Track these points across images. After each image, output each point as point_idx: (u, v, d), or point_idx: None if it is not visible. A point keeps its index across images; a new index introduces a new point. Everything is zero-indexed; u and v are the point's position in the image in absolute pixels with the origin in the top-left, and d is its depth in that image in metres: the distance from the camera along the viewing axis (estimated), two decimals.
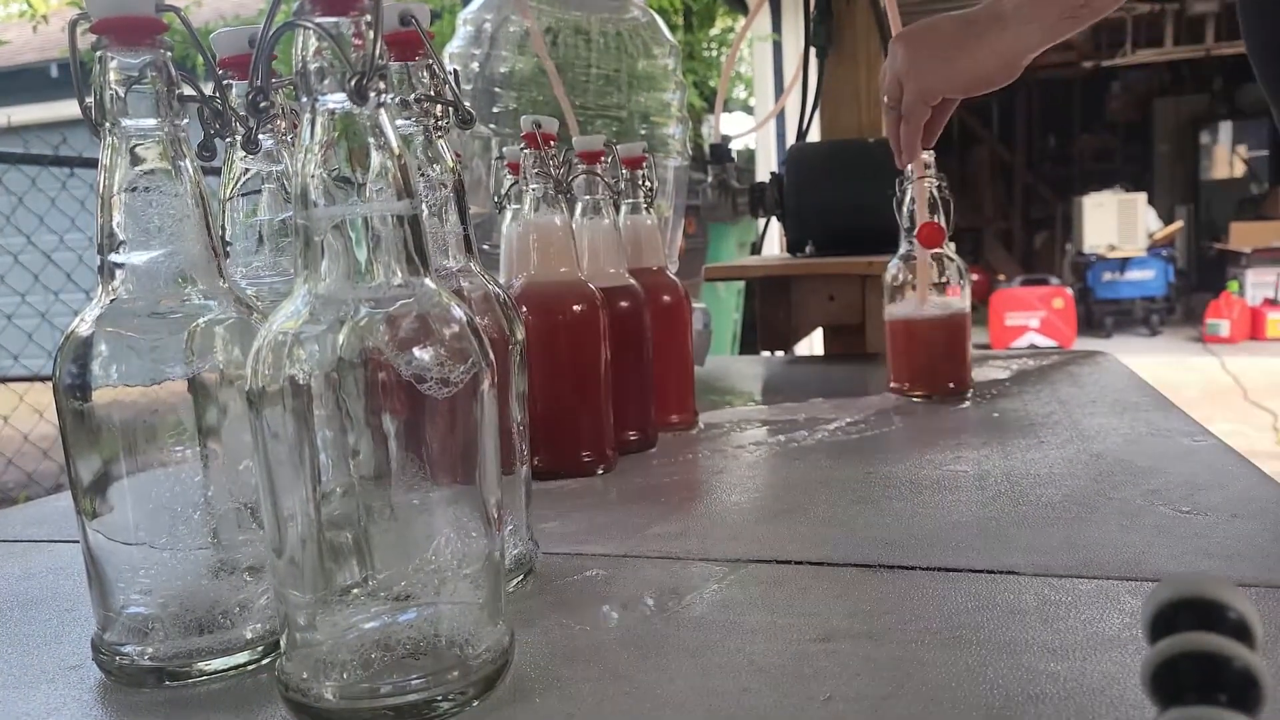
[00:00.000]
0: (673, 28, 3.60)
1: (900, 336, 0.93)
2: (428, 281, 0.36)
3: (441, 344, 0.35)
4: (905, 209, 0.91)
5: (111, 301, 0.39)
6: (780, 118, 3.54)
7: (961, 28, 0.77)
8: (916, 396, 0.92)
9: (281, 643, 0.36)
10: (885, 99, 0.84)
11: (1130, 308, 6.75)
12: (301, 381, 0.34)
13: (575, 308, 0.68)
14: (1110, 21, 6.85)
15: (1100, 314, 6.77)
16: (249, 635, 0.40)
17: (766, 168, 4.32)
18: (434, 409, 0.35)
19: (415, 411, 0.35)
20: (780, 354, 1.35)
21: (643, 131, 1.08)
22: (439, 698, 0.35)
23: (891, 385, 0.94)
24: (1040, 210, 8.55)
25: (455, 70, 0.50)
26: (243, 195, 0.49)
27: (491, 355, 0.37)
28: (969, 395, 0.91)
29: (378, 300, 0.35)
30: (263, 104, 0.38)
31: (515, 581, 0.48)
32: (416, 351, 0.35)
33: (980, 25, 0.76)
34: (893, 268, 0.93)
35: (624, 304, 0.74)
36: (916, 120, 0.82)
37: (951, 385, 0.92)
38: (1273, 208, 7.07)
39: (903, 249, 0.92)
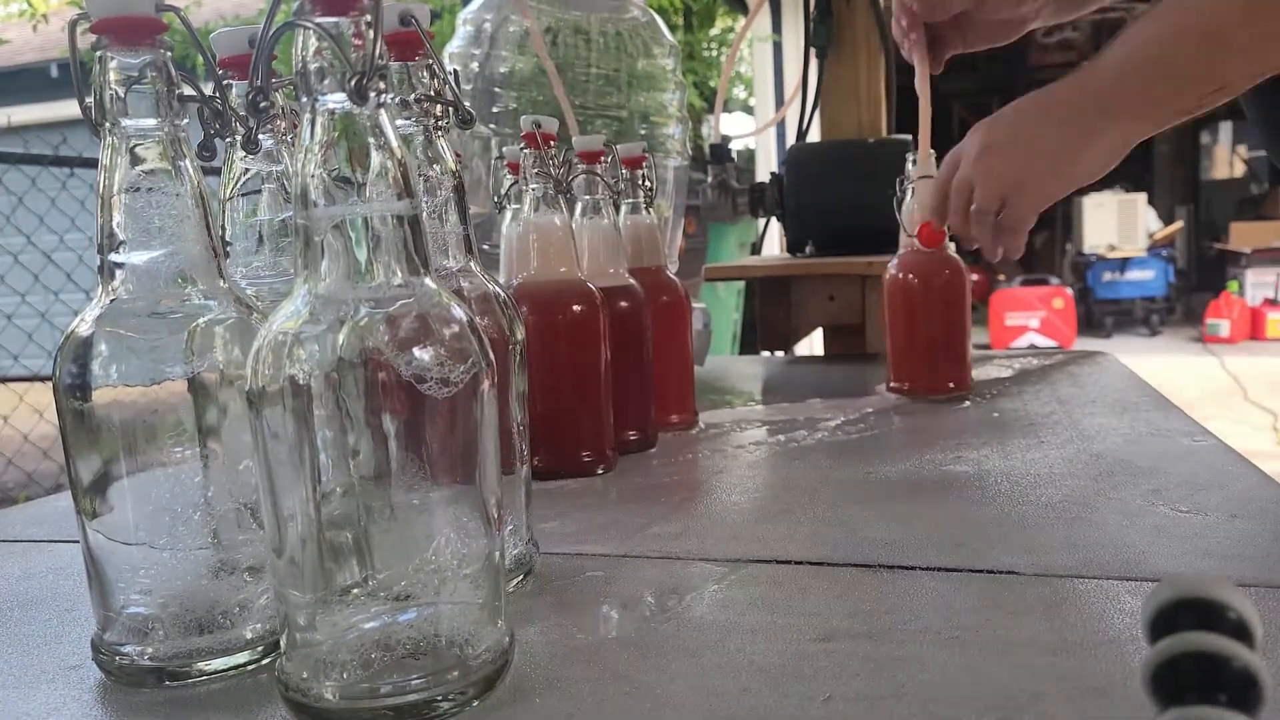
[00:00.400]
0: (672, 28, 3.60)
1: (898, 297, 0.92)
2: (428, 281, 0.36)
3: (441, 344, 0.35)
4: (906, 209, 0.91)
5: (111, 301, 0.39)
6: (780, 119, 3.54)
7: (1064, 128, 0.69)
8: (916, 396, 0.92)
9: (281, 643, 0.36)
10: (978, 206, 0.75)
11: (1130, 308, 6.75)
12: (301, 381, 0.34)
13: (575, 308, 0.68)
14: (1110, 21, 6.85)
15: (1100, 314, 6.77)
16: (249, 635, 0.40)
17: (766, 168, 4.32)
18: (434, 409, 0.35)
19: (415, 411, 0.35)
20: (780, 354, 1.35)
21: (642, 131, 1.08)
22: (439, 698, 0.35)
23: (891, 385, 0.94)
24: None
25: (455, 70, 0.50)
26: (243, 195, 0.49)
27: (491, 355, 0.37)
28: (969, 396, 0.91)
29: (378, 300, 0.35)
30: (263, 104, 0.38)
31: (515, 582, 0.48)
32: (416, 351, 0.35)
33: (1085, 122, 0.67)
34: (892, 267, 0.93)
35: (624, 304, 0.74)
36: (1023, 230, 0.76)
37: (952, 385, 0.91)
38: (1273, 208, 7.07)
39: (902, 249, 0.92)
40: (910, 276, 0.91)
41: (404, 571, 0.36)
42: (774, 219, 1.41)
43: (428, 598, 0.36)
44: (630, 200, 0.81)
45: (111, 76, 0.38)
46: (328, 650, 0.35)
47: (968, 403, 0.89)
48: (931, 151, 0.89)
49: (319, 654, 0.35)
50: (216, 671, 0.39)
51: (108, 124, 0.38)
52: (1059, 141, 0.69)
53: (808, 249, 1.35)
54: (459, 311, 0.37)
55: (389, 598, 0.35)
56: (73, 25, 0.38)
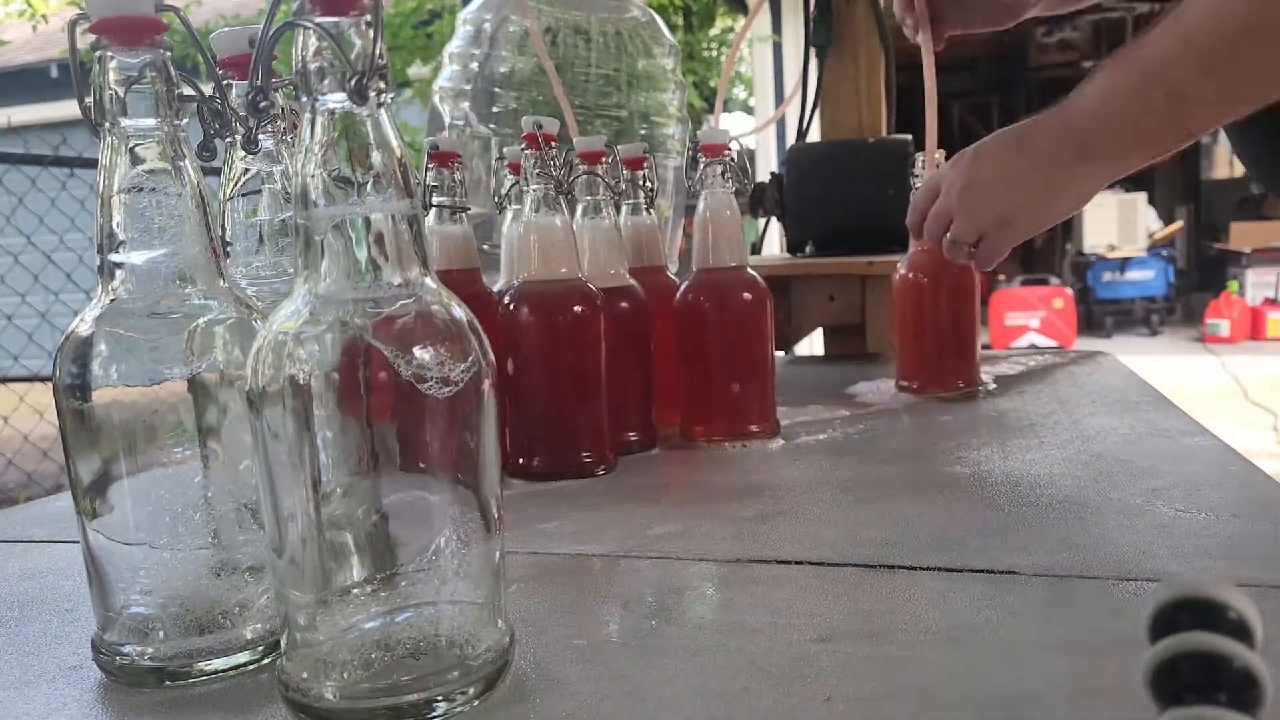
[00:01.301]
0: (672, 28, 3.60)
1: (908, 296, 0.92)
2: (428, 281, 0.36)
3: (442, 343, 0.35)
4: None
5: (111, 301, 0.39)
6: (780, 118, 3.54)
7: (1043, 171, 0.71)
8: (925, 393, 0.91)
9: (282, 643, 0.36)
10: (955, 238, 0.77)
11: (1130, 308, 6.75)
12: (301, 381, 0.34)
13: (575, 309, 0.68)
14: (1110, 21, 6.85)
15: (1100, 314, 6.77)
16: (249, 635, 0.40)
17: (766, 168, 4.32)
18: (434, 408, 0.35)
19: (416, 411, 0.35)
20: (780, 354, 1.35)
21: (642, 131, 1.08)
22: (439, 698, 0.35)
23: (901, 384, 0.94)
24: None
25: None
26: (243, 195, 0.49)
27: (492, 355, 0.37)
28: (980, 392, 0.91)
29: (378, 300, 0.35)
30: (262, 104, 0.38)
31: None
32: (417, 351, 0.35)
33: (1063, 166, 0.70)
34: (902, 267, 0.92)
35: (624, 305, 0.74)
36: (998, 260, 0.79)
37: (961, 384, 0.91)
38: (1273, 208, 7.05)
39: (913, 248, 0.92)
40: (920, 276, 0.91)
41: (404, 571, 0.36)
42: (774, 219, 1.41)
43: (428, 597, 0.36)
44: (631, 201, 0.81)
45: (111, 76, 0.38)
46: (328, 650, 0.35)
47: (969, 401, 0.89)
48: (940, 151, 0.89)
49: (319, 654, 0.35)
50: (217, 671, 0.39)
51: (107, 124, 0.38)
52: (1039, 183, 0.73)
53: (808, 249, 1.35)
54: (459, 311, 0.37)
55: (389, 597, 0.35)
56: (72, 25, 0.38)
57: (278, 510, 0.35)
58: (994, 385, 0.95)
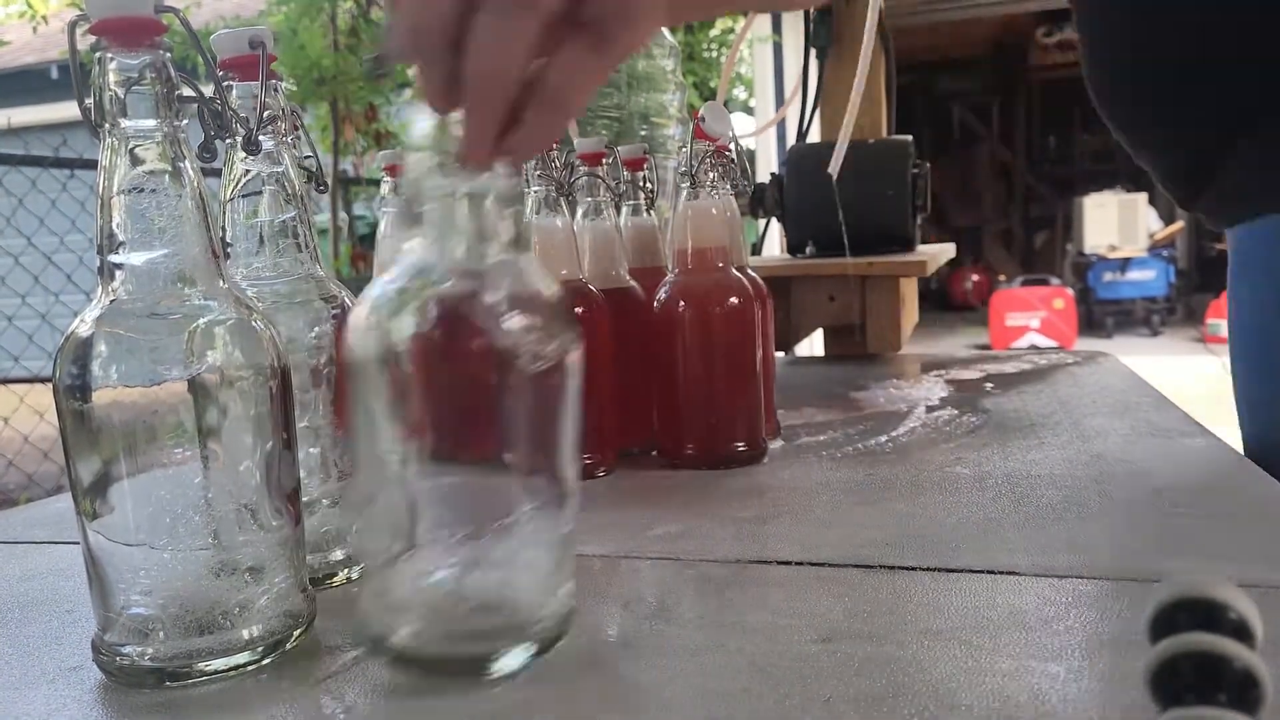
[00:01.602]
0: (672, 29, 3.59)
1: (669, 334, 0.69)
2: (523, 259, 0.38)
3: (535, 318, 0.37)
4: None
5: (111, 302, 0.39)
6: (780, 119, 3.54)
7: None
8: (690, 466, 0.69)
9: (361, 588, 0.40)
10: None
11: (1131, 308, 6.76)
12: (399, 348, 0.36)
13: (576, 310, 0.68)
14: None
15: (1101, 314, 6.77)
16: (249, 636, 0.40)
17: (766, 168, 4.32)
18: (523, 381, 0.36)
19: (505, 383, 0.36)
20: (780, 354, 1.35)
21: (642, 132, 1.08)
22: (496, 654, 0.37)
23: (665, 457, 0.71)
24: (1041, 210, 8.55)
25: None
26: (243, 196, 0.49)
27: (580, 335, 0.39)
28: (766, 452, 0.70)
29: (476, 274, 0.37)
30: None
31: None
32: (510, 324, 0.36)
33: None
34: (663, 293, 0.70)
35: (625, 306, 0.74)
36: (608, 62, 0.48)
37: (742, 446, 0.70)
38: None
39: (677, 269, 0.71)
40: (682, 304, 0.69)
41: (480, 532, 0.38)
42: (774, 219, 1.41)
43: (501, 560, 0.38)
44: (631, 202, 0.81)
45: (111, 77, 0.38)
46: (403, 597, 0.38)
47: (965, 405, 0.89)
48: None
49: (393, 601, 0.38)
50: (217, 672, 0.39)
51: (107, 125, 0.38)
52: None
53: (808, 249, 1.35)
54: (552, 289, 0.38)
55: (464, 553, 0.38)
56: (72, 26, 0.38)
57: (369, 464, 0.37)
58: (991, 385, 0.95)
